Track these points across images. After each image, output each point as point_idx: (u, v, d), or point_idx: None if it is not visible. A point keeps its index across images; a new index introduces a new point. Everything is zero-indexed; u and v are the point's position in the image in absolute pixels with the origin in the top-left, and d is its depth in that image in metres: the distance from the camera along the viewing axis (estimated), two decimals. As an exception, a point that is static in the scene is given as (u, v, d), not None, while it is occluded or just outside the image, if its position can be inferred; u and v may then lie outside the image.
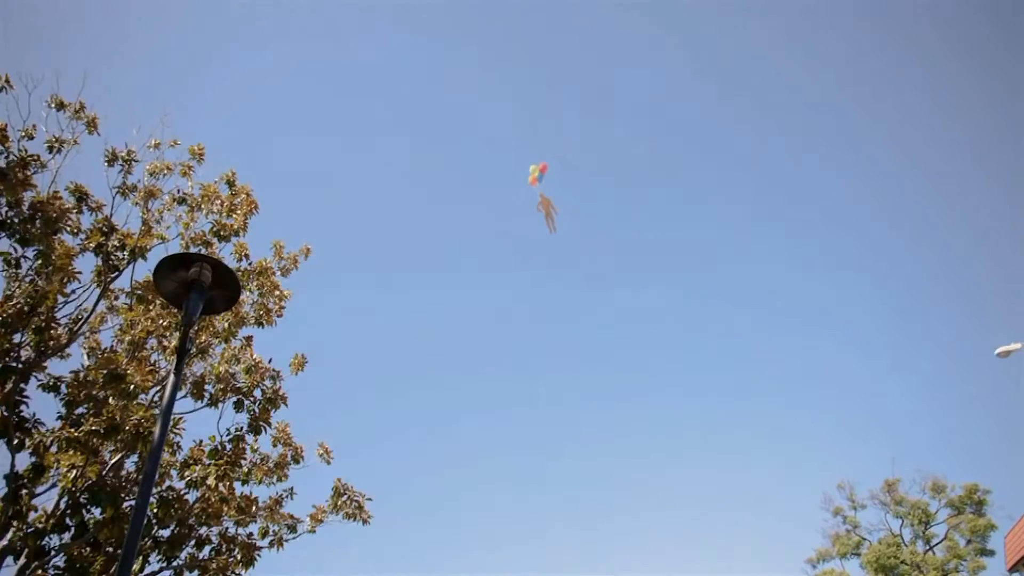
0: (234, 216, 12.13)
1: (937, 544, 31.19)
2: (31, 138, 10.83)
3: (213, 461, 10.59)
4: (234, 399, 11.08)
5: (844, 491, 33.35)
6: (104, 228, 10.85)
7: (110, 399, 9.73)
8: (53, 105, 11.16)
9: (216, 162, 12.67)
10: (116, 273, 10.99)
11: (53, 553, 9.69)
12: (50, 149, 10.94)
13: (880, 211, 58.63)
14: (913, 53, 55.67)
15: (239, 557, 10.70)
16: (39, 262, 10.26)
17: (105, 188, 11.36)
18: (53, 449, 9.59)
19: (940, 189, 57.94)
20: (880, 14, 52.63)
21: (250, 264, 12.28)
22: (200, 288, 6.29)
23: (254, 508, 11.14)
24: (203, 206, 12.05)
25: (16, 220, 10.12)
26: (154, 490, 9.98)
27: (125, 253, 10.93)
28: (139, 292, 11.36)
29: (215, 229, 11.91)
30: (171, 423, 10.44)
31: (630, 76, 59.88)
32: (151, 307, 11.21)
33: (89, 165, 11.48)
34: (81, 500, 9.83)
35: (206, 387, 11.04)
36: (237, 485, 11.00)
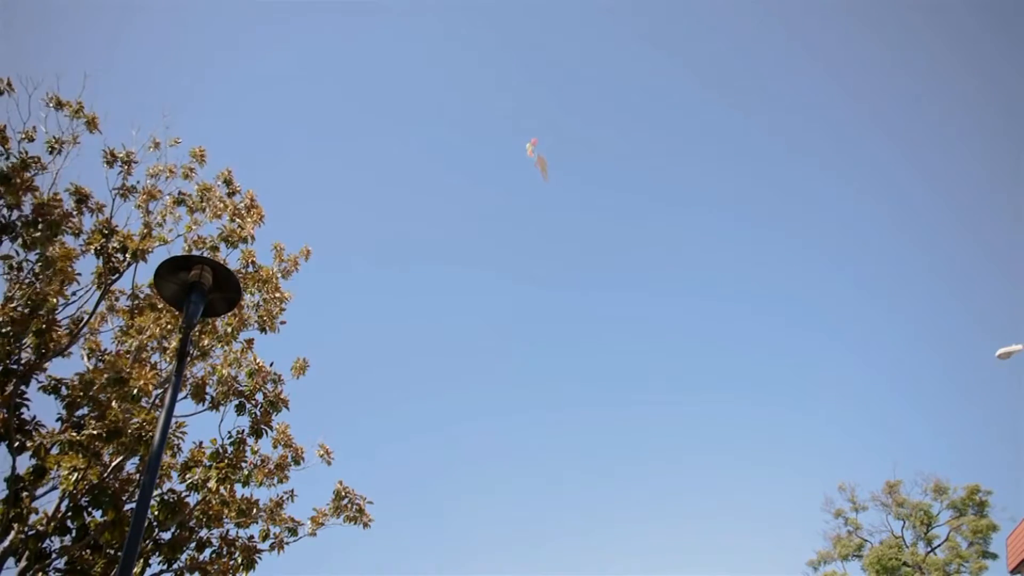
0: (238, 220, 12.13)
1: (939, 546, 31.12)
2: (31, 140, 10.81)
3: (214, 464, 10.57)
4: (235, 402, 11.06)
5: (845, 493, 33.32)
6: (105, 230, 10.84)
7: (113, 402, 9.71)
8: (51, 104, 11.14)
9: (217, 158, 12.70)
10: (117, 275, 10.98)
11: (54, 556, 9.66)
12: (50, 150, 10.92)
13: (880, 215, 58.65)
14: (915, 55, 55.67)
15: (240, 560, 10.67)
16: (40, 264, 10.25)
17: (106, 190, 11.37)
18: (54, 451, 9.57)
19: (939, 191, 57.94)
20: (882, 15, 52.64)
21: (257, 270, 12.28)
22: (201, 290, 6.29)
23: (255, 510, 11.12)
24: (203, 207, 12.05)
25: (19, 224, 10.11)
26: (155, 493, 9.96)
27: (126, 255, 10.92)
28: (148, 298, 11.35)
29: (223, 234, 11.92)
30: (172, 426, 10.42)
31: (631, 76, 59.90)
32: (162, 315, 11.19)
33: (91, 166, 11.48)
34: (82, 503, 9.81)
35: (207, 390, 11.02)
36: (238, 487, 10.98)
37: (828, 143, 59.55)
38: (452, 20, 56.18)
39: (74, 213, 10.81)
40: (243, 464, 10.88)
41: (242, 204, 12.28)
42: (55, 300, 10.11)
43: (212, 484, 10.32)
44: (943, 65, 55.77)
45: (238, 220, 12.11)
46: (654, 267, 63.86)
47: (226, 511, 10.71)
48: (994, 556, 29.38)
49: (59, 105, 11.18)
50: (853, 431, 56.79)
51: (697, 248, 62.69)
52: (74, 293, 10.69)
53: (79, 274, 10.66)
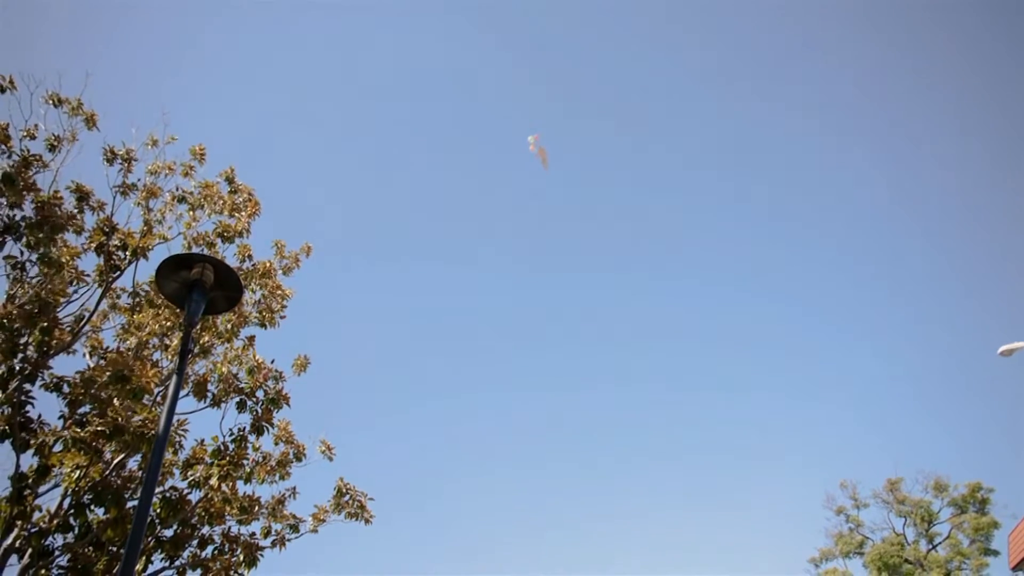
0: (236, 216, 12.14)
1: (940, 543, 31.16)
2: (33, 138, 10.84)
3: (216, 461, 10.60)
4: (237, 399, 11.09)
5: (847, 490, 33.36)
6: (105, 228, 10.86)
7: (115, 400, 9.74)
8: (51, 102, 11.14)
9: (216, 156, 12.70)
10: (118, 273, 11.01)
11: (57, 553, 9.71)
12: (50, 148, 10.94)
13: (884, 209, 58.57)
14: (924, 51, 55.60)
15: (242, 557, 10.70)
16: (43, 265, 10.28)
17: (106, 187, 11.39)
18: (57, 449, 9.61)
19: (943, 187, 57.86)
20: (888, 12, 52.57)
21: (253, 265, 12.29)
22: (202, 288, 6.30)
23: (257, 508, 11.15)
24: (204, 205, 12.06)
25: (22, 224, 10.14)
26: (157, 490, 10.00)
27: (127, 253, 10.95)
28: (147, 295, 11.37)
29: (219, 230, 11.93)
30: (174, 423, 10.45)
31: (631, 74, 59.89)
32: (160, 311, 11.20)
33: (92, 164, 11.50)
34: (84, 500, 9.85)
35: (209, 387, 11.05)
36: (240, 485, 11.01)
37: (835, 137, 59.46)
38: (453, 20, 56.17)
39: (76, 213, 10.84)
40: (245, 461, 10.91)
41: (240, 200, 12.27)
42: (60, 299, 10.17)
43: (214, 481, 10.35)
44: (949, 60, 55.69)
45: (235, 215, 12.11)
46: (655, 264, 63.86)
47: (228, 508, 10.73)
48: (996, 553, 29.42)
49: (58, 103, 11.19)
50: (854, 428, 56.79)
51: (700, 244, 62.68)
52: (76, 291, 10.74)
53: (87, 275, 10.72)
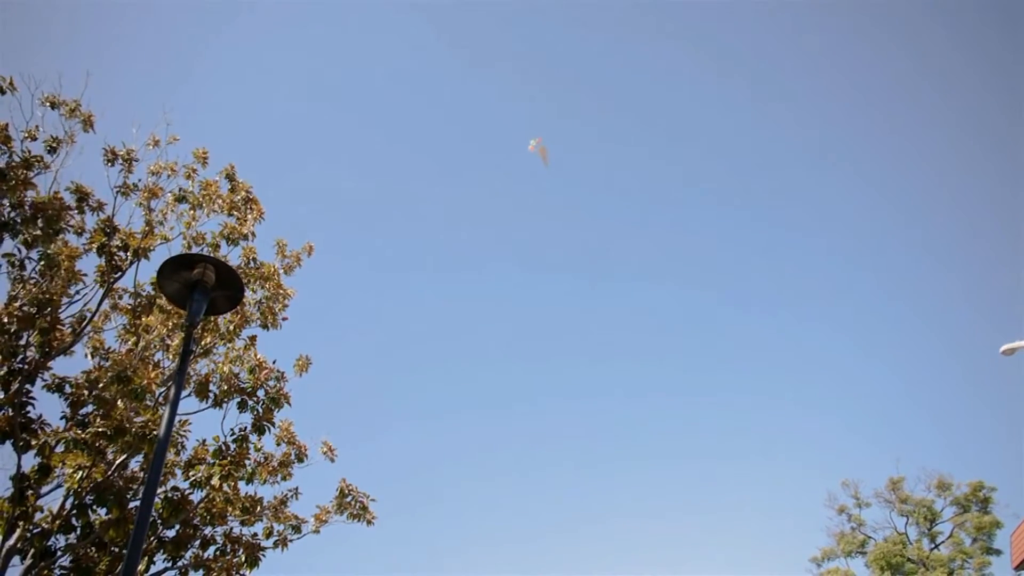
0: (236, 215, 12.12)
1: (943, 542, 31.09)
2: (34, 139, 10.82)
3: (217, 461, 10.59)
4: (238, 399, 11.07)
5: (848, 489, 33.29)
6: (107, 228, 10.85)
7: (119, 401, 9.74)
8: (48, 104, 11.13)
9: (218, 156, 12.66)
10: (119, 273, 11.00)
11: (59, 553, 9.72)
12: (50, 150, 10.93)
13: (883, 208, 58.53)
14: (918, 51, 55.53)
15: (244, 557, 10.69)
16: (42, 263, 10.28)
17: (107, 188, 11.37)
18: (59, 450, 9.61)
19: (944, 186, 57.80)
20: (885, 14, 52.52)
21: (258, 267, 12.27)
22: (204, 289, 6.30)
23: (259, 508, 11.14)
24: (204, 204, 12.03)
25: (19, 221, 10.13)
26: (159, 490, 10.00)
27: (128, 253, 10.94)
28: (151, 296, 11.35)
29: (224, 232, 11.92)
30: (176, 423, 10.44)
31: (636, 75, 59.85)
32: (170, 316, 11.19)
33: (92, 165, 11.47)
34: (87, 501, 9.85)
35: (211, 387, 11.04)
36: (241, 485, 11.00)
37: (833, 137, 59.40)
38: (455, 19, 56.17)
39: (73, 208, 10.82)
40: (246, 461, 10.90)
41: (239, 199, 12.24)
42: (60, 299, 10.15)
43: (215, 481, 10.34)
44: (947, 60, 55.62)
45: (236, 214, 12.09)
46: (656, 263, 63.81)
47: (230, 509, 10.73)
48: (998, 552, 29.36)
49: (55, 105, 11.16)
50: (856, 426, 56.74)
51: (701, 244, 62.64)
52: (77, 292, 10.73)
53: (85, 275, 10.70)
